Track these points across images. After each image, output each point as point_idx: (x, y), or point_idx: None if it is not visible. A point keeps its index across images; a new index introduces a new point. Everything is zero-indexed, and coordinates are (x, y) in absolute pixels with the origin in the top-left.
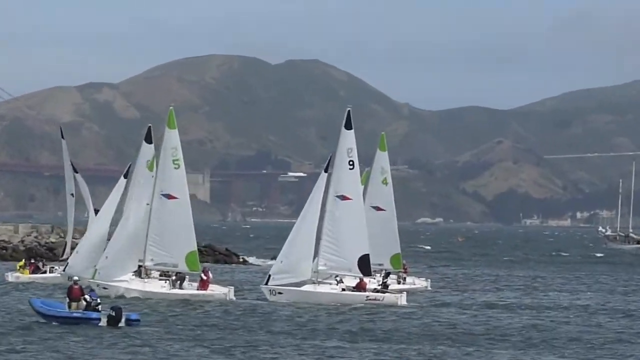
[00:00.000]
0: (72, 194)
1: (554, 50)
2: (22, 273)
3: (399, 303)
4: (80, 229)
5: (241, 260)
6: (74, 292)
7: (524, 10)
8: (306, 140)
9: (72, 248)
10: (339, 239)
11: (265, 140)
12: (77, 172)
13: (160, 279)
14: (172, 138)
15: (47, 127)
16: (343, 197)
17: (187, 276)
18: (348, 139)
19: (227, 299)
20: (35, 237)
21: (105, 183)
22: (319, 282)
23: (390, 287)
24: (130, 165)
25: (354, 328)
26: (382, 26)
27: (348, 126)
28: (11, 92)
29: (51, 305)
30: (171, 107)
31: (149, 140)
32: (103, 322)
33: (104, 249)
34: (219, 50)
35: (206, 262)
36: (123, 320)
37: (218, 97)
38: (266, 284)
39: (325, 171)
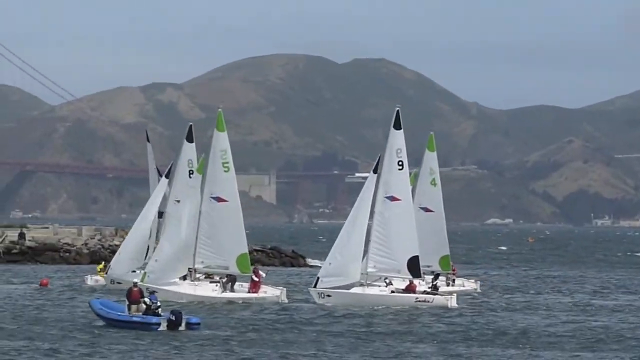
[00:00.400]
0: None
1: (625, 48)
2: (102, 276)
3: (449, 305)
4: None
5: (308, 263)
6: (133, 295)
7: (594, 7)
8: (373, 140)
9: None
10: (388, 240)
11: (331, 140)
12: (161, 176)
13: (211, 282)
14: (221, 141)
15: (110, 129)
16: (392, 198)
17: (237, 278)
18: (397, 140)
19: (280, 300)
20: (99, 240)
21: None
22: (368, 285)
23: (440, 289)
24: (171, 164)
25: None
26: (450, 24)
27: (397, 126)
28: (74, 93)
29: (111, 308)
30: (220, 109)
31: (190, 139)
32: (163, 326)
33: (147, 252)
34: (284, 50)
35: (272, 264)
36: (183, 324)
37: (283, 97)
38: (315, 286)
39: (374, 172)
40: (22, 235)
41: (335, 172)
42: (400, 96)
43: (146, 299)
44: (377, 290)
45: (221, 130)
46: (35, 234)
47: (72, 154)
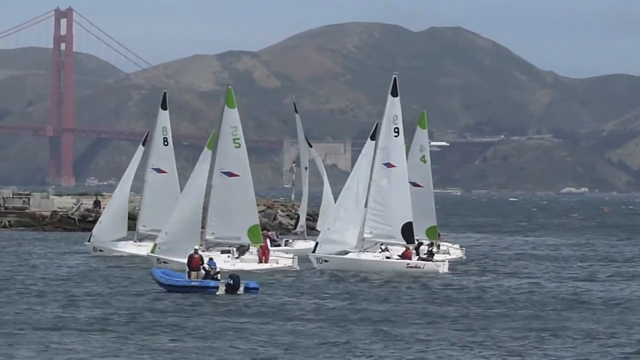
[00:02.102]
0: (306, 168)
1: None
2: None
3: (440, 272)
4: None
5: None
6: (193, 261)
7: None
8: (449, 109)
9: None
10: (384, 206)
11: (407, 109)
12: (311, 147)
13: (222, 253)
14: (232, 117)
15: (185, 97)
16: (389, 165)
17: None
18: (394, 106)
19: (292, 268)
20: None
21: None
22: (363, 251)
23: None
24: (147, 132)
25: None
26: None
27: (394, 93)
28: (150, 61)
29: (171, 275)
30: (229, 86)
31: (164, 106)
32: (221, 290)
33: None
34: (360, 18)
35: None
36: (242, 288)
37: (359, 65)
38: (313, 251)
39: (372, 139)
40: (97, 203)
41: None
42: (476, 65)
43: (205, 265)
44: (371, 256)
45: (231, 106)
46: None
47: (147, 122)
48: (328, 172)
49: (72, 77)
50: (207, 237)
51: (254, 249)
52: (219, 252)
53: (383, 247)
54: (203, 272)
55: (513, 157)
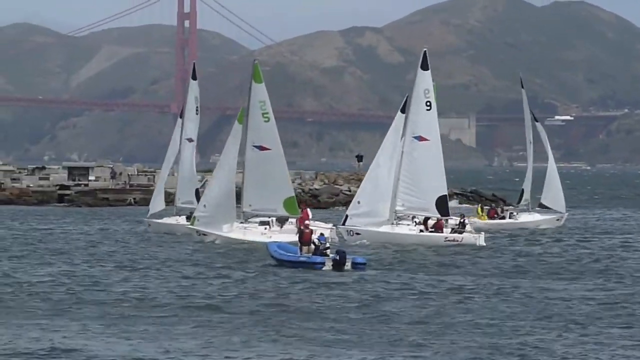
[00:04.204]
0: (530, 142)
1: None
2: (481, 219)
3: (477, 243)
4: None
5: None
6: (305, 236)
7: None
8: (572, 83)
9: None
10: (416, 180)
11: (530, 83)
12: (537, 121)
13: (261, 224)
14: (259, 92)
15: (309, 73)
16: (420, 138)
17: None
18: (425, 80)
19: (330, 241)
20: (299, 184)
21: (368, 129)
22: (397, 223)
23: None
24: (183, 105)
25: None
26: None
27: (424, 67)
28: (273, 37)
29: (283, 249)
30: (256, 62)
31: (194, 76)
32: (328, 266)
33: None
34: None
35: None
36: (349, 264)
37: (482, 40)
38: (343, 224)
39: (402, 112)
40: None
41: (535, 115)
42: (600, 39)
43: (315, 240)
44: (407, 229)
45: (258, 81)
46: (236, 178)
47: (271, 98)
48: (452, 147)
49: (196, 54)
50: (245, 209)
51: (293, 220)
52: (257, 224)
53: (417, 220)
54: (313, 246)
55: (637, 131)
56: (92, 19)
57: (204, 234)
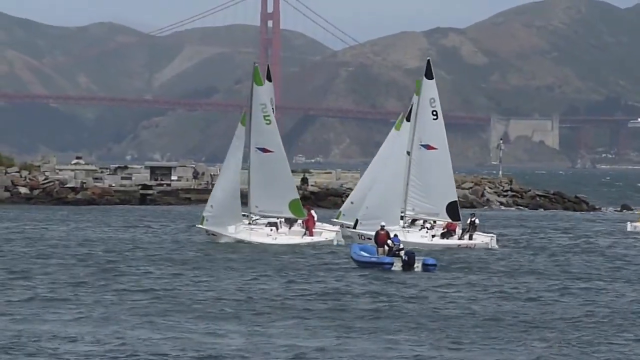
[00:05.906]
0: None
1: None
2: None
3: (490, 247)
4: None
5: (591, 208)
6: (380, 238)
7: None
8: None
9: None
10: (426, 187)
11: (614, 85)
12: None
13: (267, 225)
14: (260, 94)
15: (393, 73)
16: (428, 147)
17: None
18: (430, 89)
19: (335, 243)
20: None
21: (451, 130)
22: (408, 229)
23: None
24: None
25: None
26: None
27: (429, 76)
28: (356, 38)
29: (363, 250)
30: (256, 64)
31: (269, 78)
32: (397, 267)
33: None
34: None
35: (554, 209)
36: (419, 265)
37: (566, 41)
38: (354, 228)
39: (407, 120)
40: (304, 181)
41: (616, 117)
42: None
43: (389, 241)
44: (418, 236)
45: (259, 84)
46: (318, 179)
47: (354, 99)
48: (535, 149)
49: (279, 54)
50: (252, 210)
51: (300, 221)
52: (264, 225)
53: (428, 225)
54: (387, 248)
55: None
56: (175, 18)
57: (214, 234)
